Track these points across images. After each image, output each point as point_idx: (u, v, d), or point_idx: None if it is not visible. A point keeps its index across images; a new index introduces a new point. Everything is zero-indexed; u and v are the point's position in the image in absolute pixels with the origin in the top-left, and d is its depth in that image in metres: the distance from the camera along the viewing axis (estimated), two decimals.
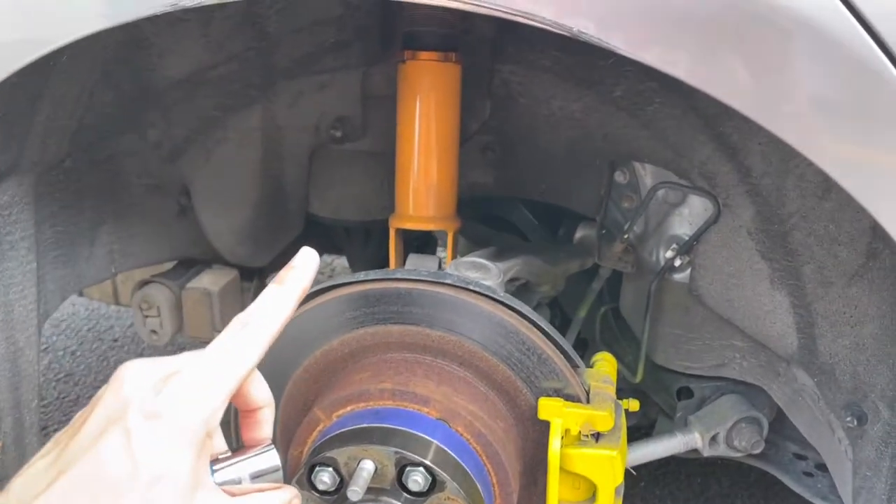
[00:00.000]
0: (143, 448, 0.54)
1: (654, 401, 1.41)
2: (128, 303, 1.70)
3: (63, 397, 2.18)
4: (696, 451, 1.28)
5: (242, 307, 1.51)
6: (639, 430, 1.43)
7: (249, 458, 0.66)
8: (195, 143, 1.27)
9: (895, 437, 1.03)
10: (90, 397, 0.63)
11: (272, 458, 0.67)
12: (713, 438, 1.26)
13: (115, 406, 0.57)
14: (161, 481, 0.54)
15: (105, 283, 1.75)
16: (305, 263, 0.69)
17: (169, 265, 1.51)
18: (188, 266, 1.48)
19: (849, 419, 1.10)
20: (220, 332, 1.33)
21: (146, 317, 1.41)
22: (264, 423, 0.69)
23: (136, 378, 0.58)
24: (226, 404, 0.61)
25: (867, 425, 1.08)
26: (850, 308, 1.07)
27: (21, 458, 1.24)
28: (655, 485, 1.81)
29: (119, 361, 2.09)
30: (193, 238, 1.40)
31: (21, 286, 1.15)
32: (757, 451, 1.26)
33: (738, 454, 1.27)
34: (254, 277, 1.50)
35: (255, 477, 0.66)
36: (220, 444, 0.66)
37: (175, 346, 2.50)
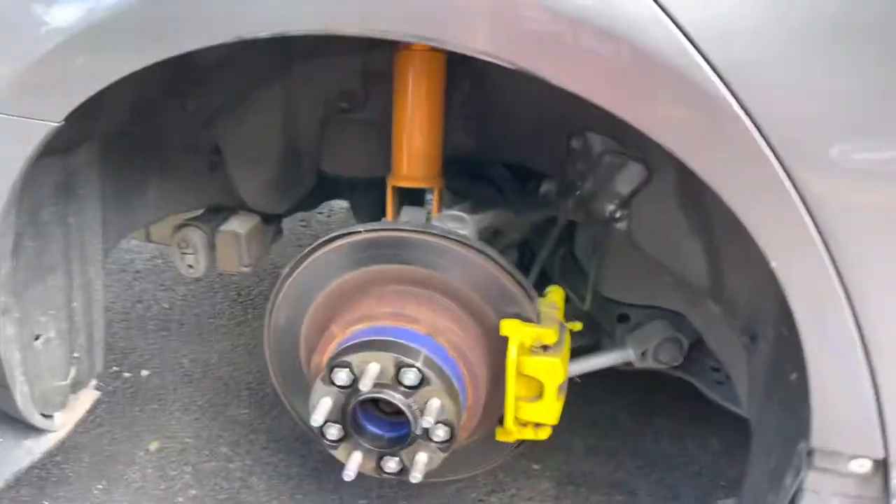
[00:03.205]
0: None
1: (600, 325, 1.73)
2: (159, 240, 1.98)
3: None
4: (630, 364, 1.61)
5: (266, 247, 1.83)
6: (588, 349, 1.75)
7: None
8: (227, 111, 1.53)
9: (773, 352, 1.33)
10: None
11: None
12: (643, 354, 1.58)
13: None
14: None
15: None
16: None
17: (199, 210, 1.79)
18: (216, 212, 1.76)
19: (745, 338, 1.39)
20: (247, 267, 1.66)
21: (184, 254, 1.70)
22: None
23: None
24: None
25: (758, 343, 1.38)
26: (747, 252, 1.36)
27: (91, 368, 1.55)
28: (606, 398, 2.14)
29: (143, 291, 2.39)
30: (222, 189, 1.67)
31: (92, 229, 1.43)
32: (676, 364, 1.59)
33: (663, 366, 1.60)
34: (273, 222, 1.78)
35: None
36: None
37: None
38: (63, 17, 0.97)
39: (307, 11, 0.92)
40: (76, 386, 1.51)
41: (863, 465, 1.04)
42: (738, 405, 1.60)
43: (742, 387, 1.47)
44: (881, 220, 1.01)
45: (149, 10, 0.95)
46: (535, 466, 1.87)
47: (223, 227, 1.66)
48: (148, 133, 1.51)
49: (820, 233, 1.00)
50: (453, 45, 0.96)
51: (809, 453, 1.06)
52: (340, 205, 3.09)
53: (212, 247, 1.69)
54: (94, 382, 1.57)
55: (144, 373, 2.28)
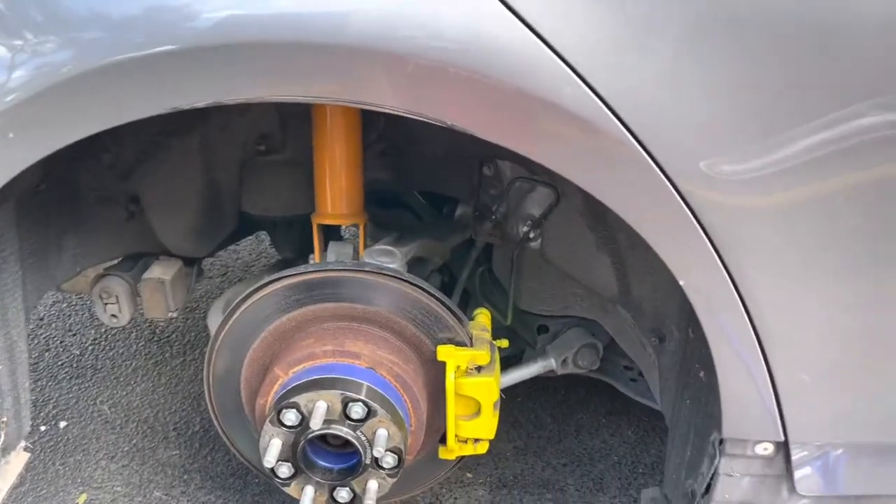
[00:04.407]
0: None
1: (521, 336, 1.84)
2: (67, 288, 1.93)
3: None
4: (552, 371, 1.72)
5: (188, 289, 1.83)
6: (512, 358, 1.86)
7: None
8: (144, 162, 1.54)
9: (681, 350, 1.48)
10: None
11: None
12: (563, 361, 1.70)
13: None
14: None
15: None
16: None
17: (117, 259, 1.77)
18: (135, 258, 1.75)
19: (653, 339, 1.53)
20: (174, 312, 1.68)
21: (106, 304, 1.69)
22: None
23: None
24: None
25: (665, 343, 1.52)
26: (649, 262, 1.49)
27: (20, 430, 1.52)
28: (528, 399, 2.27)
29: (49, 338, 2.30)
30: (141, 237, 1.66)
31: (12, 291, 1.41)
32: (595, 368, 1.72)
33: (582, 370, 1.72)
34: (194, 263, 1.79)
35: None
36: None
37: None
38: None
39: (243, 83, 0.97)
40: (5, 450, 1.48)
41: (766, 448, 1.19)
42: (651, 400, 1.75)
43: (654, 383, 1.62)
44: (761, 225, 1.12)
45: (84, 84, 0.97)
46: (469, 475, 1.96)
47: (147, 275, 1.65)
48: (62, 189, 1.49)
49: (711, 241, 1.09)
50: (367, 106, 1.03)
51: (721, 442, 1.20)
52: (244, 258, 3.07)
53: (135, 295, 1.68)
54: (22, 444, 1.54)
55: (62, 424, 2.22)
